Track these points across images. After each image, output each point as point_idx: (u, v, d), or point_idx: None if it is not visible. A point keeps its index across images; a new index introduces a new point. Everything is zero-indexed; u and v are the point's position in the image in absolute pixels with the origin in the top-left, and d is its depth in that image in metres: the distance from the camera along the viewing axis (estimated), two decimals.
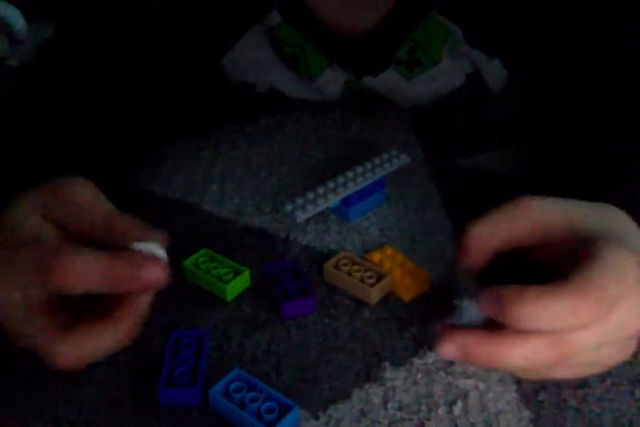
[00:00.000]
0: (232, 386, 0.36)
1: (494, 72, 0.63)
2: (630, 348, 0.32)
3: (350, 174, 0.54)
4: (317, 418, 0.37)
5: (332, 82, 0.63)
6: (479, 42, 0.59)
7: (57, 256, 0.30)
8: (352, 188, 0.53)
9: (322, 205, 0.51)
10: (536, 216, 0.33)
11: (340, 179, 0.54)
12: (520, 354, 0.28)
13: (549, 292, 0.27)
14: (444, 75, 0.62)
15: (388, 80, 0.62)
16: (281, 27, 0.59)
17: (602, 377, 0.39)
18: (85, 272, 0.30)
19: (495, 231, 0.33)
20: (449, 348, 0.29)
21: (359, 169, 0.55)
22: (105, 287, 0.30)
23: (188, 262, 0.46)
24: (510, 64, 0.62)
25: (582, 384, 0.38)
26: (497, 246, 0.34)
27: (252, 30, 0.61)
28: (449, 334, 0.29)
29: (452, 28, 0.58)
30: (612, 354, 0.31)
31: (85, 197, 0.34)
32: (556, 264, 0.32)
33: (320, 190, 0.52)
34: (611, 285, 0.27)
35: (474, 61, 0.62)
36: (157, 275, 0.31)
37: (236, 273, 0.45)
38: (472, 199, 0.54)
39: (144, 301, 0.33)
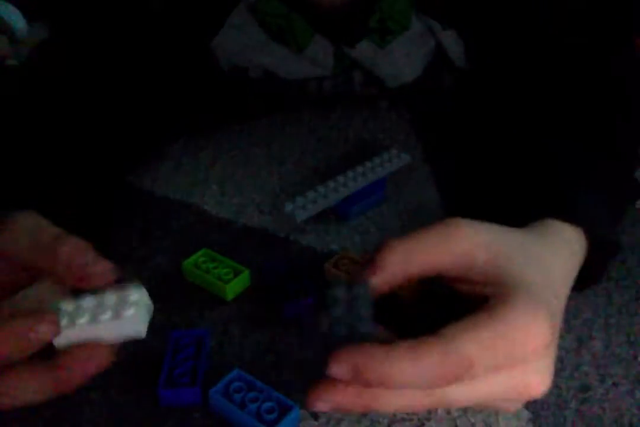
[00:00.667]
0: (232, 386, 0.36)
1: (452, 42, 0.65)
2: (519, 404, 0.31)
3: (350, 174, 0.54)
4: (316, 418, 0.37)
5: (322, 50, 0.64)
6: (432, 11, 0.63)
7: None
8: (352, 188, 0.53)
9: (322, 205, 0.52)
10: (461, 248, 0.29)
11: (341, 179, 0.54)
12: (412, 373, 0.26)
13: (415, 350, 0.26)
14: (415, 40, 0.65)
15: (366, 51, 0.64)
16: (264, 0, 0.61)
17: (602, 377, 0.39)
18: None
19: (411, 255, 0.29)
20: (339, 368, 0.27)
21: (359, 169, 0.55)
22: None
23: (188, 262, 0.46)
24: (465, 35, 0.64)
25: (582, 384, 0.38)
26: (412, 271, 0.30)
27: (237, 11, 0.62)
28: (341, 352, 0.27)
29: None
30: (498, 405, 0.30)
31: (27, 224, 0.32)
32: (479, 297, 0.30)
33: (321, 189, 0.52)
34: (482, 352, 0.26)
35: (433, 31, 0.65)
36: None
37: (236, 273, 0.45)
38: (472, 199, 0.54)
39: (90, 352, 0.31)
